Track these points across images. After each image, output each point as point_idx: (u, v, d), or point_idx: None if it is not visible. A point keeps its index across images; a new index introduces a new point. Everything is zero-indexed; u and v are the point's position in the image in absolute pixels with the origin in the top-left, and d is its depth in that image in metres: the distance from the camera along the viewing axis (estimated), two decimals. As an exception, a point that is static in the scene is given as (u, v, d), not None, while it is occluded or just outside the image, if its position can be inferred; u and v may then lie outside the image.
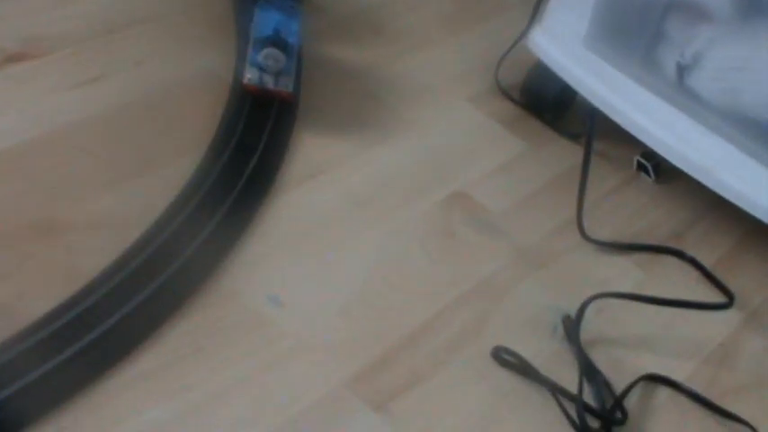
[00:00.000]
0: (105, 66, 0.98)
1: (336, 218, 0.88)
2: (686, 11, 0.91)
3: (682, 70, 0.92)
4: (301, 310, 0.79)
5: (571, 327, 0.81)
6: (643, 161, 1.01)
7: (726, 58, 0.88)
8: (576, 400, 0.76)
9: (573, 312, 0.82)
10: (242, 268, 0.81)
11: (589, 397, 0.77)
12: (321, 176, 0.92)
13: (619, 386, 0.78)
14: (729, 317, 0.87)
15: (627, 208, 0.97)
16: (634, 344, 0.83)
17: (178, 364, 0.72)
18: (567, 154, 1.02)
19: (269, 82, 0.97)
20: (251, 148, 0.93)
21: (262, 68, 0.97)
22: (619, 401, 0.76)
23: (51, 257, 0.77)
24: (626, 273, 0.90)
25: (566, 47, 0.99)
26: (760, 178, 0.86)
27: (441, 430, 0.73)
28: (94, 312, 0.73)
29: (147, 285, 0.76)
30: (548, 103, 1.05)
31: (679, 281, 0.90)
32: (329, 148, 0.95)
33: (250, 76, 0.97)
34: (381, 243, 0.87)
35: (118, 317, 0.73)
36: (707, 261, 0.92)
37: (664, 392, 0.79)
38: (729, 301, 0.85)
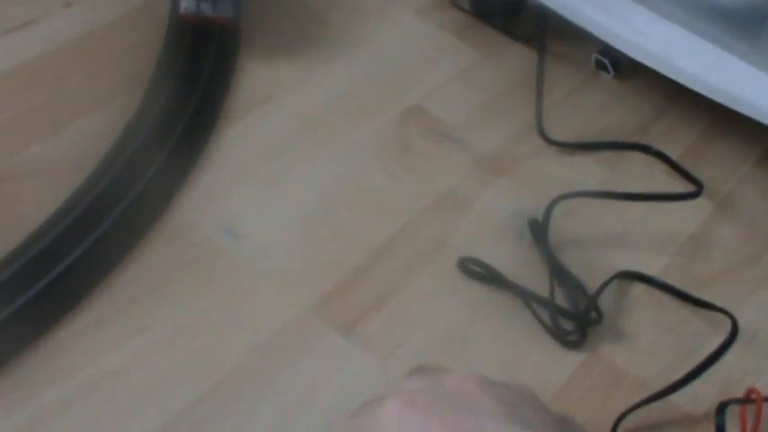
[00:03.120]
0: (32, 10, 0.93)
1: (289, 143, 0.85)
2: None
3: (632, -42, 0.89)
4: (259, 239, 0.76)
5: (538, 230, 0.79)
6: (601, 58, 0.97)
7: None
8: (548, 303, 0.74)
9: (539, 216, 0.80)
10: (194, 203, 0.78)
11: (562, 300, 0.75)
12: (270, 102, 0.88)
13: (592, 286, 0.76)
14: (700, 207, 0.85)
15: (588, 107, 0.94)
16: (605, 242, 0.81)
17: (133, 306, 0.69)
18: (522, 59, 0.98)
19: (206, 9, 0.92)
20: (194, 79, 0.89)
21: (197, -4, 0.92)
22: (593, 301, 0.74)
23: (-9, 209, 0.74)
24: (591, 172, 0.87)
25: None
26: (717, 61, 0.84)
27: (411, 347, 0.70)
28: (41, 261, 0.70)
29: (95, 229, 0.73)
30: (498, 9, 1.01)
31: (646, 176, 0.88)
32: (277, 72, 0.92)
33: (186, 4, 0.92)
34: (338, 164, 0.84)
35: (66, 264, 0.70)
36: (673, 153, 0.89)
37: (638, 288, 0.78)
38: (698, 190, 0.83)
